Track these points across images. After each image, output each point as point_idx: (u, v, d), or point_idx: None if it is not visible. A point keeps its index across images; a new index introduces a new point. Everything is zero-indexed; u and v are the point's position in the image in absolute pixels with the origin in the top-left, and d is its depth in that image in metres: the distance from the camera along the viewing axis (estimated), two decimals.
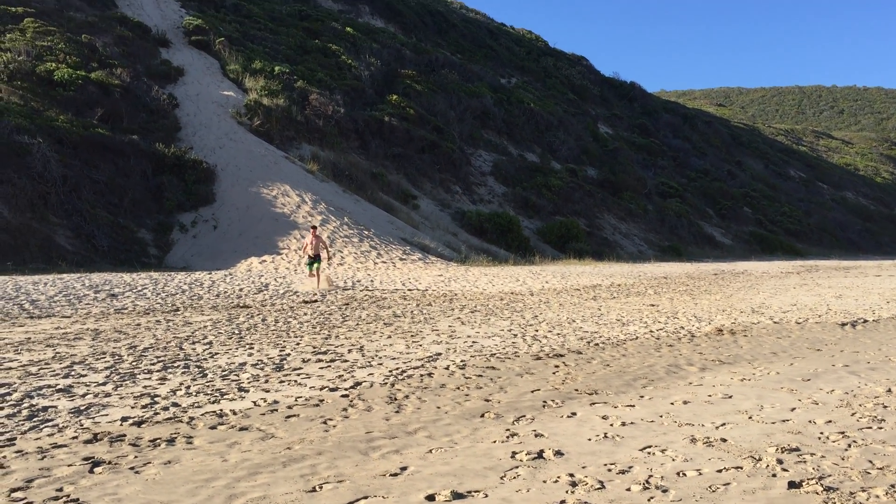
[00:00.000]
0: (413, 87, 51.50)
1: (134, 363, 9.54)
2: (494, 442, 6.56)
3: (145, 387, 8.27)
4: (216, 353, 10.40)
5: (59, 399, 7.62)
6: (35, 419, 6.88)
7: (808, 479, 5.66)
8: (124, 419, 6.93)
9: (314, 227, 22.25)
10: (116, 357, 9.93)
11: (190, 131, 37.08)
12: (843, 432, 7.00)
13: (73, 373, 8.86)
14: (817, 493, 5.40)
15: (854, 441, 6.70)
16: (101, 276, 22.31)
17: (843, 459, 6.19)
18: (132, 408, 7.36)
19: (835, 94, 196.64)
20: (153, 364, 9.50)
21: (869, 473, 5.85)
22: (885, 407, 8.01)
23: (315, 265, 21.21)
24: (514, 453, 6.22)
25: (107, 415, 7.08)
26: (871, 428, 7.18)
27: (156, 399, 7.71)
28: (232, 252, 29.51)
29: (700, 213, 55.62)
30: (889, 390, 8.84)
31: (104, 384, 8.34)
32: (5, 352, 10.25)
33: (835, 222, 66.18)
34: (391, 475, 5.64)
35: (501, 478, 5.64)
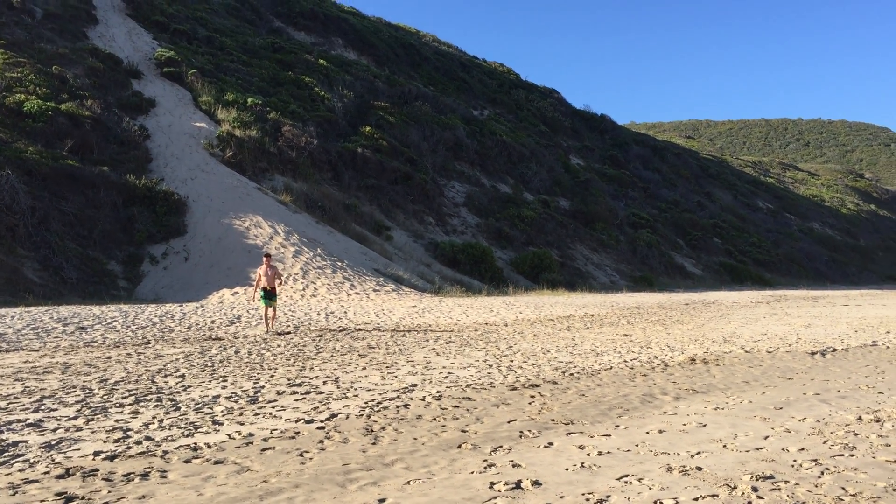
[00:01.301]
0: (386, 119, 51.76)
1: (105, 397, 9.41)
2: (472, 472, 6.55)
3: (117, 420, 8.15)
4: (189, 386, 10.29)
5: (29, 434, 7.49)
6: (5, 454, 6.76)
7: None
8: (97, 453, 6.82)
9: (268, 256, 19.07)
10: (87, 391, 9.78)
11: (161, 162, 36.89)
12: (815, 460, 7.08)
13: (42, 407, 8.71)
14: None
15: (827, 468, 6.78)
16: (69, 308, 22.00)
17: (816, 486, 6.26)
18: (104, 442, 7.25)
19: (800, 127, 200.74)
20: (125, 398, 9.37)
21: (842, 500, 5.92)
22: (856, 434, 8.12)
23: (271, 301, 18.30)
24: (492, 483, 6.21)
25: (78, 449, 6.97)
26: (842, 455, 7.27)
27: (128, 433, 7.60)
28: (203, 284, 29.26)
29: (671, 244, 56.20)
30: (860, 418, 8.96)
31: (75, 418, 8.21)
32: None
33: (802, 252, 67.16)
34: None
35: None
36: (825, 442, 7.77)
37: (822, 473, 6.63)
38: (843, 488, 6.20)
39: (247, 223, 33.47)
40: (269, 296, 18.31)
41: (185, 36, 52.82)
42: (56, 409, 8.60)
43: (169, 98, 43.63)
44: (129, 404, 8.99)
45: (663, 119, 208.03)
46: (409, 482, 6.26)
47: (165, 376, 11.09)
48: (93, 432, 7.61)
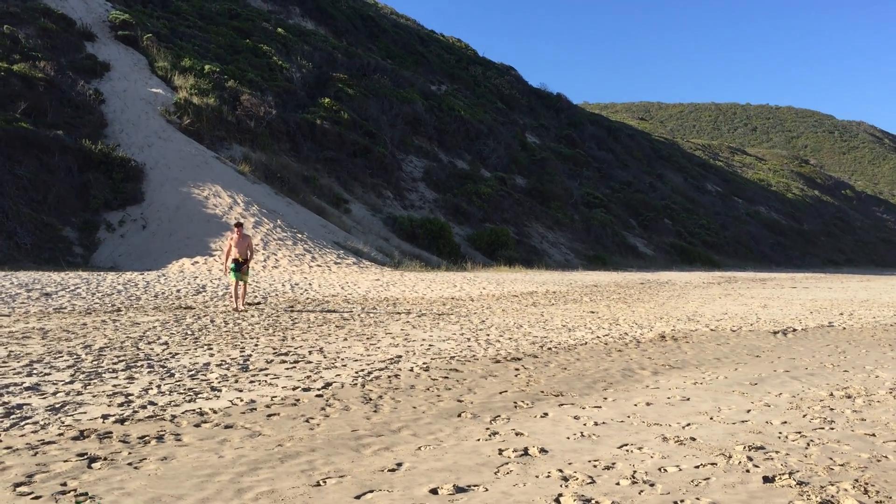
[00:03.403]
0: (345, 91, 51.36)
1: (95, 363, 9.37)
2: (478, 440, 6.76)
3: (115, 386, 8.15)
4: (176, 354, 10.29)
5: (30, 397, 7.46)
6: (13, 416, 6.75)
7: (779, 475, 6.05)
8: (105, 416, 6.86)
9: (239, 225, 17.22)
10: (75, 356, 9.72)
11: (117, 128, 36.12)
12: (799, 432, 7.45)
13: (35, 371, 8.66)
14: (791, 487, 5.78)
15: (812, 440, 7.15)
16: (27, 274, 21.58)
17: (805, 457, 6.61)
18: (108, 406, 7.27)
19: (748, 112, 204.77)
20: (115, 364, 9.35)
21: (832, 469, 6.27)
22: (832, 409, 8.54)
23: (242, 275, 16.45)
24: (500, 450, 6.43)
25: (85, 413, 6.99)
26: (823, 428, 7.66)
27: (130, 398, 7.63)
28: (162, 252, 28.87)
29: (623, 224, 57.10)
30: (831, 394, 9.41)
31: (71, 382, 8.19)
32: None
33: (749, 235, 68.86)
34: (389, 470, 5.78)
35: (495, 473, 5.85)
36: (805, 416, 8.16)
37: (808, 445, 6.99)
38: (831, 458, 6.57)
39: (206, 192, 33.03)
40: (240, 267, 16.44)
41: None
42: (49, 374, 8.55)
43: (124, 62, 42.60)
44: (122, 370, 8.98)
45: (616, 100, 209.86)
46: (420, 448, 6.44)
47: (149, 343, 11.06)
48: (94, 396, 7.62)
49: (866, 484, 5.90)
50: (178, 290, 19.79)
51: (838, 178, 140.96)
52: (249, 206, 33.20)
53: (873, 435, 7.44)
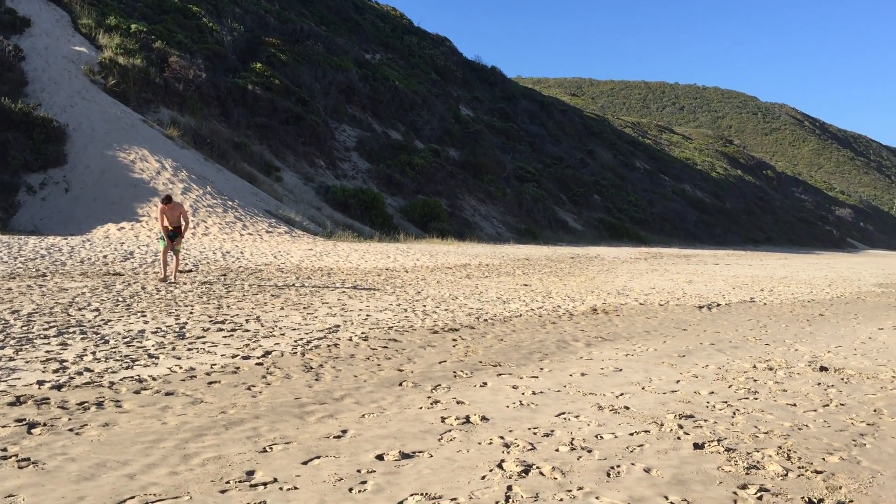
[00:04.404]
0: (278, 57, 50.43)
1: (25, 328, 9.13)
2: (420, 408, 6.87)
3: (48, 352, 7.97)
4: (109, 320, 10.09)
5: None
6: None
7: (708, 441, 6.33)
8: (41, 382, 6.72)
9: (167, 200, 15.91)
10: (2, 321, 9.44)
11: (38, 87, 34.72)
12: (726, 402, 7.79)
13: None
14: (719, 453, 6.06)
15: (737, 410, 7.48)
16: None
17: (732, 425, 6.92)
18: (43, 372, 7.12)
19: (677, 92, 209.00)
20: (46, 329, 9.13)
21: (757, 437, 6.59)
22: (755, 381, 8.94)
23: (174, 242, 15.54)
24: (443, 418, 6.55)
25: (19, 378, 6.83)
26: (748, 398, 8.01)
27: (65, 364, 7.48)
28: (86, 217, 28.06)
29: (554, 199, 57.81)
30: (754, 366, 9.83)
31: (1, 348, 7.97)
32: None
33: (674, 213, 70.57)
34: (335, 437, 5.84)
35: (439, 440, 5.97)
36: (730, 387, 8.52)
37: (734, 414, 7.32)
38: (756, 427, 6.90)
39: (132, 156, 32.13)
40: (173, 235, 15.54)
41: None
42: None
43: (45, 18, 40.86)
44: (54, 336, 8.78)
45: (549, 75, 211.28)
46: (363, 416, 6.51)
47: (79, 309, 10.80)
48: (27, 362, 7.44)
49: (789, 450, 6.23)
50: (105, 256, 19.30)
51: (760, 159, 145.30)
52: (178, 171, 32.45)
53: (794, 405, 7.82)
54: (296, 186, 40.30)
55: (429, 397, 7.27)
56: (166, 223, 15.56)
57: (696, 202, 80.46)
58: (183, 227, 15.88)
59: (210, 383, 7.21)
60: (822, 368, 9.89)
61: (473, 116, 66.60)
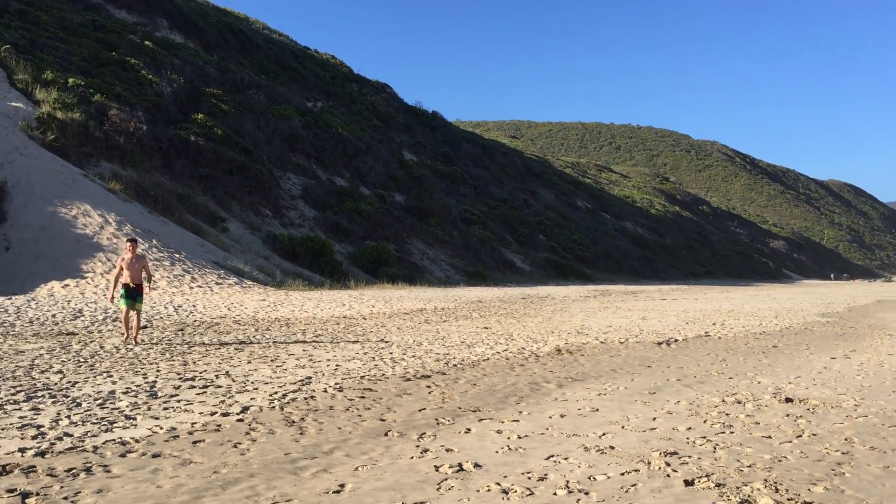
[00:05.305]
0: (219, 107, 50.24)
1: None
2: (412, 458, 6.86)
3: (21, 418, 7.74)
4: (76, 382, 9.84)
5: None
6: None
7: (697, 478, 6.47)
8: (22, 450, 6.52)
9: (133, 241, 14.96)
10: None
11: None
12: (705, 437, 7.96)
13: None
14: (710, 489, 6.21)
15: (717, 444, 7.66)
16: None
17: (716, 460, 7.09)
18: (21, 438, 6.92)
19: (612, 131, 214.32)
20: (14, 394, 8.86)
21: (742, 470, 6.76)
22: (727, 415, 9.15)
23: (135, 301, 14.17)
24: (436, 467, 6.56)
25: None
26: (724, 433, 8.21)
27: (42, 430, 7.27)
28: (28, 276, 27.31)
29: (501, 240, 58.37)
30: (723, 400, 10.07)
31: None
32: None
33: (617, 250, 71.88)
34: (334, 492, 5.80)
35: (437, 489, 5.98)
36: (705, 422, 8.71)
37: (715, 449, 7.49)
38: (738, 460, 7.07)
39: (74, 211, 31.50)
40: (133, 295, 14.14)
41: None
42: None
43: None
44: (24, 401, 8.52)
45: (487, 118, 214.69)
46: (357, 468, 6.48)
47: (42, 372, 10.51)
48: (2, 430, 7.21)
49: (775, 482, 6.40)
50: (54, 316, 18.81)
51: (695, 195, 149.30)
52: (122, 225, 31.90)
53: (769, 437, 8.04)
54: (242, 236, 39.92)
55: (417, 446, 7.27)
56: (127, 278, 14.25)
57: (638, 239, 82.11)
58: (145, 283, 14.73)
59: (195, 443, 7.09)
60: (788, 399, 10.18)
61: (417, 161, 67.12)
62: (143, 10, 64.98)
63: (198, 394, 9.41)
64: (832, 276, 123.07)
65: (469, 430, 8.03)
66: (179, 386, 9.84)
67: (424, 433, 7.80)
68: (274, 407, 8.80)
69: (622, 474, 6.52)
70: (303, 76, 71.56)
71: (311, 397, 9.45)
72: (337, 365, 12.10)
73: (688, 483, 6.32)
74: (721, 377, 12.03)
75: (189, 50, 60.24)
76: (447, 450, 7.16)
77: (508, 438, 7.68)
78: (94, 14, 57.06)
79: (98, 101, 41.54)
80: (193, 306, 22.51)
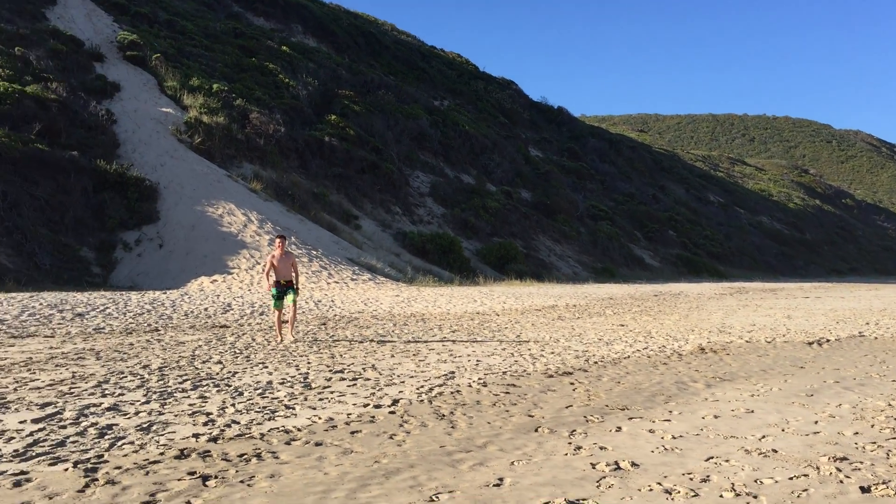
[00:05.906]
0: (351, 108, 51.59)
1: (161, 383, 9.45)
2: (566, 454, 6.84)
3: (191, 405, 8.23)
4: (235, 372, 10.37)
5: (114, 417, 7.54)
6: (108, 437, 6.82)
7: (874, 484, 6.14)
8: (196, 435, 6.93)
9: (281, 238, 14.74)
10: (138, 377, 9.80)
11: (129, 148, 36.24)
12: (874, 442, 7.54)
13: (108, 392, 8.73)
14: (889, 497, 5.87)
15: (890, 451, 7.24)
16: (52, 295, 21.62)
17: (891, 466, 6.70)
18: (194, 425, 7.35)
19: (746, 123, 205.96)
20: (181, 383, 9.43)
21: None
22: None
23: (289, 297, 13.96)
24: (593, 465, 6.51)
25: (175, 432, 7.07)
26: (895, 438, 7.74)
27: (211, 417, 7.71)
28: (180, 272, 28.96)
29: (629, 236, 57.29)
30: (889, 404, 9.51)
31: (148, 402, 8.27)
32: (18, 371, 9.97)
33: (753, 246, 69.15)
34: (494, 485, 5.86)
35: (597, 486, 5.93)
36: (873, 426, 8.25)
37: (888, 455, 7.08)
38: None
39: (220, 211, 33.16)
40: (284, 292, 13.95)
41: (145, 19, 51.75)
42: (123, 395, 8.63)
43: (133, 82, 42.78)
44: (191, 389, 9.06)
45: (613, 112, 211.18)
46: (512, 463, 6.52)
47: (203, 362, 11.13)
48: (176, 416, 7.69)
49: None
50: (206, 309, 19.85)
51: (838, 188, 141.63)
52: (263, 223, 33.32)
53: None
54: (374, 234, 40.88)
55: (569, 443, 7.24)
56: (276, 276, 14.04)
57: (775, 234, 78.70)
58: (294, 280, 14.26)
59: (353, 433, 7.32)
60: None
61: (543, 157, 66.78)
62: (280, 17, 67.60)
63: (349, 386, 9.71)
64: None
65: (620, 428, 7.92)
66: (330, 378, 10.19)
67: (575, 430, 7.75)
68: (423, 400, 8.97)
69: (790, 479, 6.26)
70: (430, 75, 72.50)
71: (457, 391, 9.58)
72: (478, 360, 12.20)
73: (864, 489, 6.01)
74: (883, 380, 11.36)
75: (322, 53, 62.22)
76: (601, 448, 7.09)
77: (662, 438, 7.53)
78: (234, 22, 59.79)
79: (240, 105, 43.57)
80: (332, 301, 23.23)
